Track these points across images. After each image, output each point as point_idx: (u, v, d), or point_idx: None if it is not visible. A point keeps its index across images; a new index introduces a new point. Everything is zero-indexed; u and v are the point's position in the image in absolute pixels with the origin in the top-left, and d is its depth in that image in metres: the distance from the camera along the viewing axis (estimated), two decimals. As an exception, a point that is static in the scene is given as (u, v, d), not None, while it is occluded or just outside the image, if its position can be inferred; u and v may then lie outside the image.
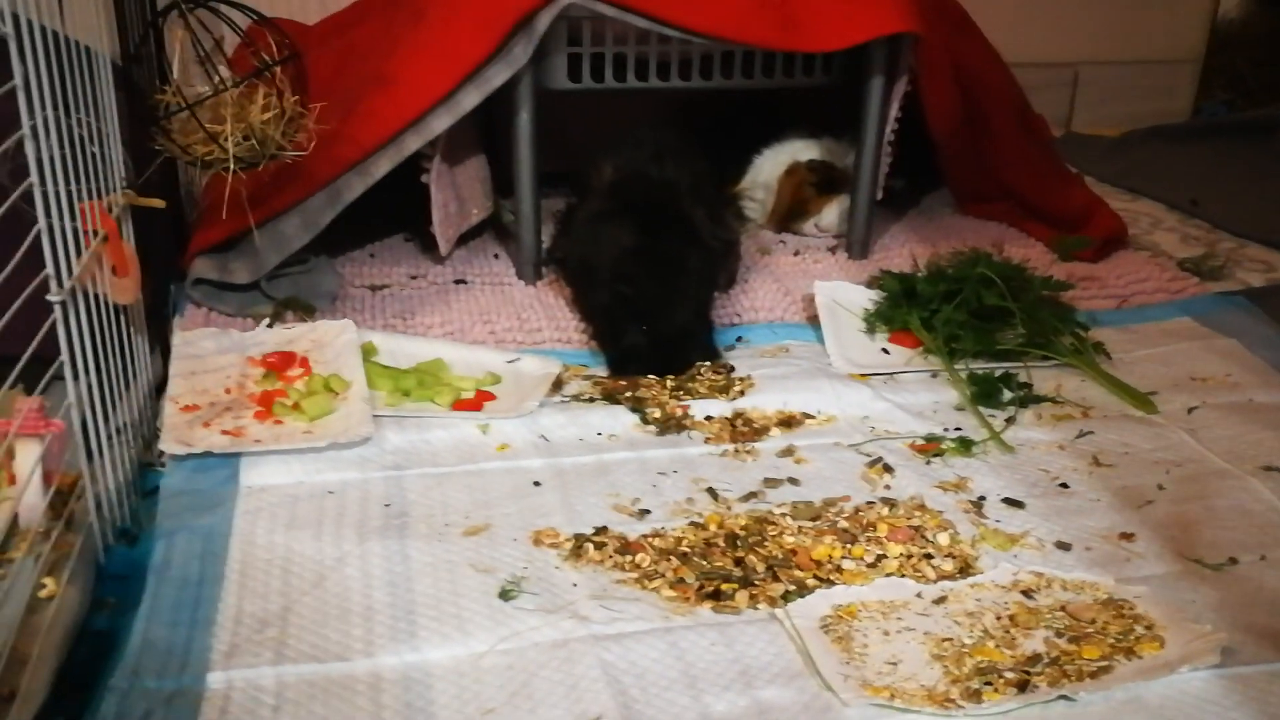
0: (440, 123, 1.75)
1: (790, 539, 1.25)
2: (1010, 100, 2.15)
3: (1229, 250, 2.20)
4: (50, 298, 1.11)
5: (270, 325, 1.68)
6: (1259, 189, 2.52)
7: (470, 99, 1.75)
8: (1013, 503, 1.34)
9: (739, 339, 1.75)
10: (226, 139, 1.47)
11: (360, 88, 1.81)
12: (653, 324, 1.56)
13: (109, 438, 1.25)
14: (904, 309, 1.74)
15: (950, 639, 1.10)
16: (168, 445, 1.37)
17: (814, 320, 1.79)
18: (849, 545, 1.24)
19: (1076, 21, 3.10)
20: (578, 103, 1.92)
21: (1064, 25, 3.09)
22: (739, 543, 1.24)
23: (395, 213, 2.06)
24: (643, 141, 1.83)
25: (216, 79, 1.48)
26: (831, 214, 2.15)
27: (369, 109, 1.76)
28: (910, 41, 1.91)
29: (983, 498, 1.35)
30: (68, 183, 1.19)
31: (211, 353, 1.61)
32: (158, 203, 1.45)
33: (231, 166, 1.48)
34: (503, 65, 1.76)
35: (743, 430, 1.48)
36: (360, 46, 2.01)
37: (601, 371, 1.63)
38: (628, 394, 1.55)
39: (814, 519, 1.29)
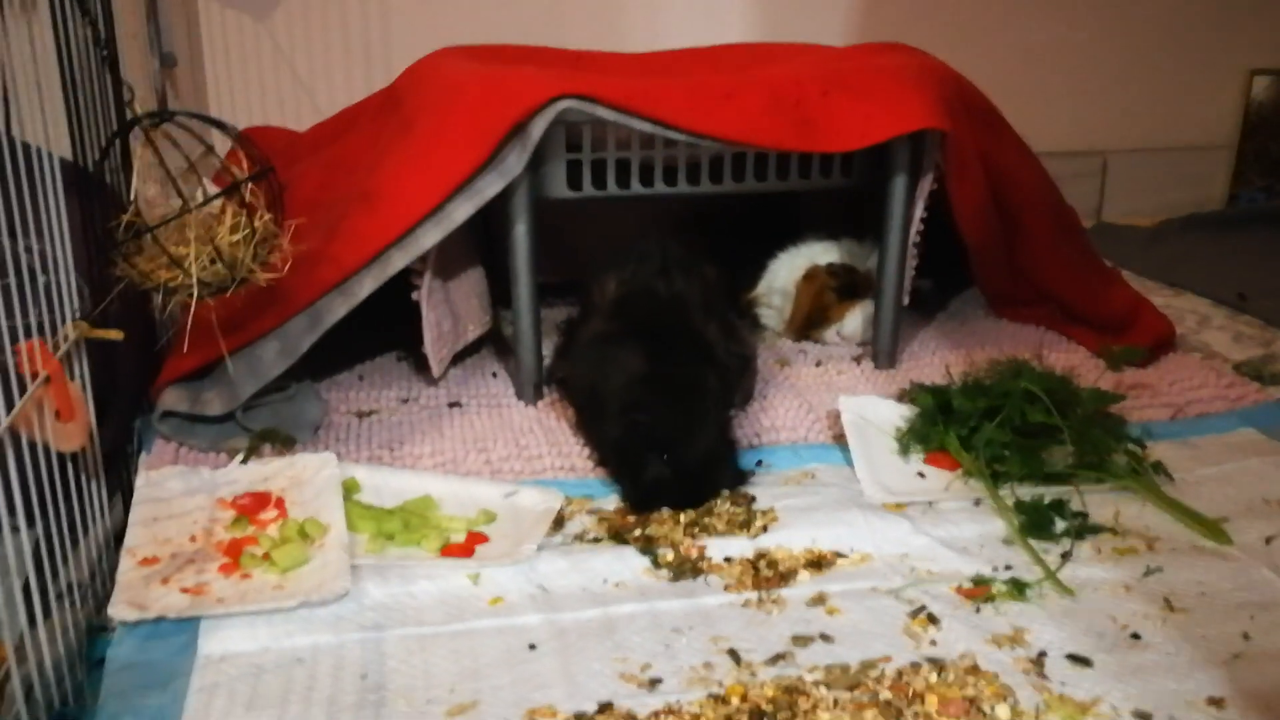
0: (429, 237, 1.68)
1: (826, 715, 1.11)
2: (1044, 197, 2.07)
3: (1287, 350, 2.07)
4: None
5: (245, 461, 1.58)
6: (1312, 282, 2.41)
7: (462, 211, 1.68)
8: (1079, 660, 1.20)
9: (759, 463, 1.66)
10: (190, 263, 1.36)
11: (345, 204, 1.73)
12: (674, 453, 1.49)
13: (54, 600, 1.12)
14: (940, 427, 1.65)
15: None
16: (118, 610, 1.24)
17: (841, 439, 1.69)
18: (894, 723, 1.09)
19: (1104, 108, 3.03)
20: (580, 209, 1.85)
21: (1091, 112, 3.03)
22: (766, 720, 1.09)
23: (389, 328, 1.99)
24: (648, 254, 1.76)
25: (180, 198, 1.38)
26: (855, 321, 2.08)
27: (352, 227, 1.68)
28: (936, 138, 1.84)
29: (1043, 653, 1.22)
30: (9, 317, 1.08)
31: (178, 494, 1.50)
32: (115, 334, 1.34)
33: (196, 292, 1.37)
34: (495, 176, 1.68)
35: (767, 575, 1.37)
36: (348, 158, 1.94)
37: (608, 505, 1.53)
38: (637, 533, 1.45)
39: (851, 688, 1.15)
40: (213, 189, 1.47)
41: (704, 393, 1.54)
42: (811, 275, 2.11)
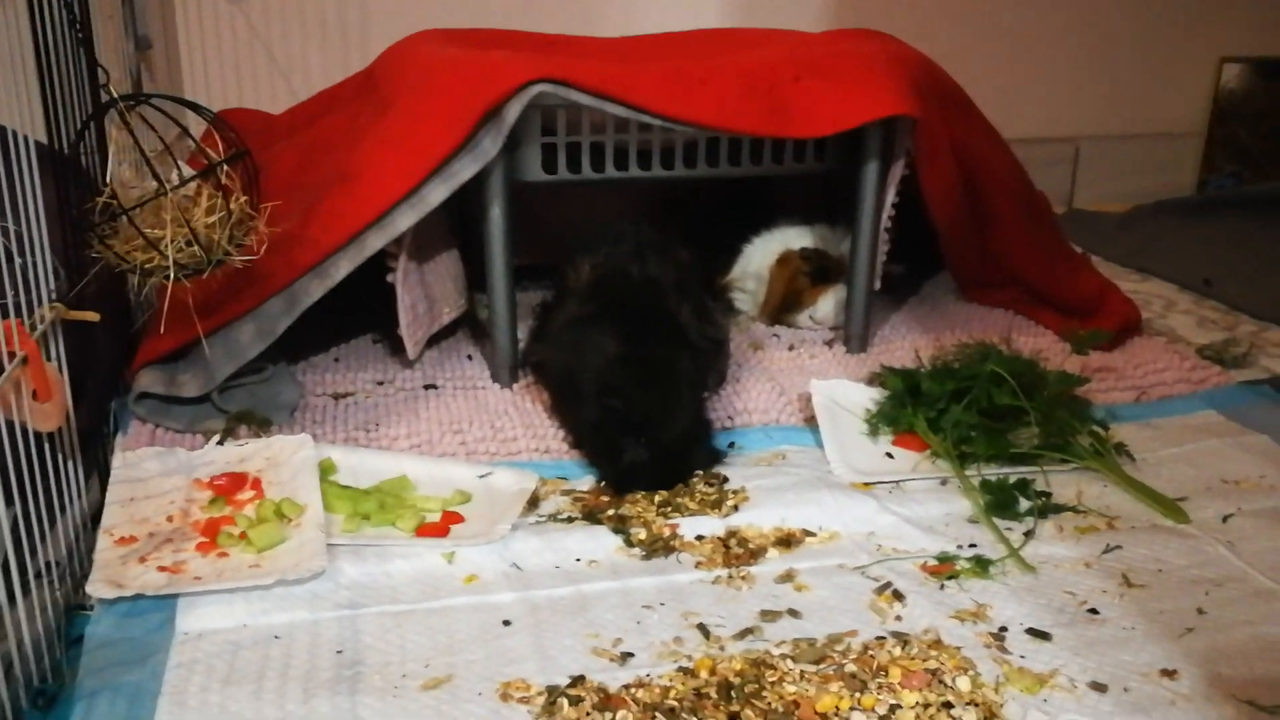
0: (405, 220, 1.69)
1: (792, 687, 1.14)
2: (1014, 183, 2.09)
3: (1250, 334, 2.12)
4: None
5: (221, 442, 1.59)
6: (1276, 267, 2.45)
7: (437, 194, 1.69)
8: (1038, 634, 1.24)
9: (731, 445, 1.68)
10: (166, 245, 1.37)
11: (322, 185, 1.74)
12: (651, 437, 1.51)
13: (33, 579, 1.13)
14: (909, 409, 1.67)
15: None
16: (95, 588, 1.26)
17: (811, 422, 1.72)
18: (858, 694, 1.12)
19: (1076, 96, 3.07)
20: (555, 193, 1.87)
21: (1063, 100, 3.06)
22: (734, 693, 1.12)
23: (365, 311, 2.00)
24: (622, 236, 1.78)
25: (156, 180, 1.39)
26: (827, 305, 2.10)
27: (329, 208, 1.69)
28: (908, 124, 1.85)
29: (1004, 628, 1.25)
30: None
31: (155, 475, 1.51)
32: (92, 316, 1.35)
33: (171, 274, 1.38)
34: (470, 159, 1.69)
35: (737, 552, 1.39)
36: (326, 140, 1.95)
37: (582, 486, 1.55)
38: (610, 512, 1.48)
39: (818, 661, 1.18)
40: (188, 171, 1.47)
41: (679, 376, 1.56)
42: (785, 260, 2.13)
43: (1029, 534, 1.43)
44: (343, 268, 1.68)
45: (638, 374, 1.53)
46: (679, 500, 1.50)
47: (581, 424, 1.60)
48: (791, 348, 2.05)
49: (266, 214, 1.47)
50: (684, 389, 1.56)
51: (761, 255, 2.16)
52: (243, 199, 1.44)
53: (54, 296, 1.31)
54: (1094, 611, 1.28)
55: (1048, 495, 1.53)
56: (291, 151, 1.98)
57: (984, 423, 1.61)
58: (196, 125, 1.57)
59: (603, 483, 1.54)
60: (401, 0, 2.66)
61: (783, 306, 2.13)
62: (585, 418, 1.57)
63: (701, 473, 1.57)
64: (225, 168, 1.43)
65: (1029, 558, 1.38)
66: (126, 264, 1.41)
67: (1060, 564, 1.38)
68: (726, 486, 1.55)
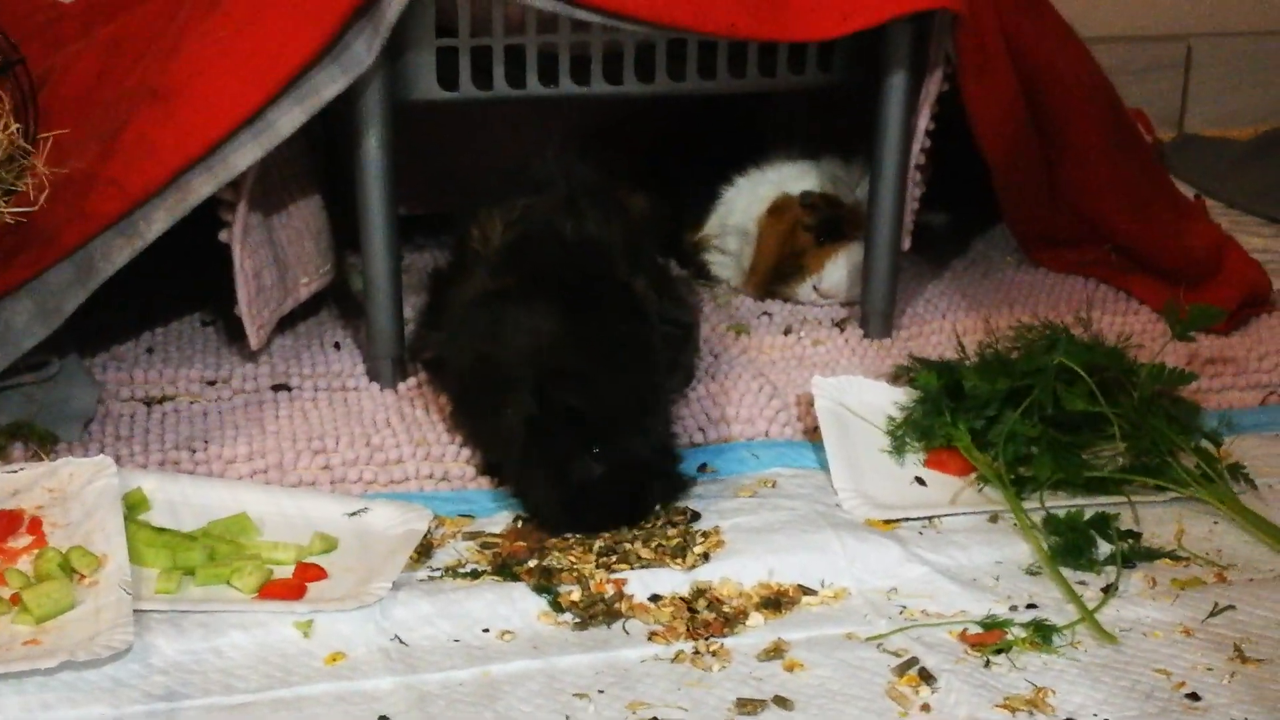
0: (244, 156, 1.69)
1: (776, 807, 1.15)
2: (1097, 99, 2.10)
3: None
4: None
5: (-14, 467, 1.58)
6: None
7: (289, 119, 1.69)
8: (1118, 731, 1.26)
9: (702, 468, 1.70)
10: (-97, 194, 1.37)
11: (127, 105, 1.74)
12: (614, 443, 1.52)
13: None
14: (946, 417, 1.69)
15: None
16: None
17: (814, 435, 1.74)
18: (866, 816, 1.14)
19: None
20: (456, 118, 1.88)
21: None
22: (696, 815, 1.14)
23: (190, 282, 2.00)
24: (548, 180, 1.78)
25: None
26: (838, 271, 2.10)
27: (139, 137, 1.69)
28: (946, 20, 1.86)
29: (1071, 721, 1.26)
30: None
31: (-113, 515, 1.50)
32: None
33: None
34: (336, 69, 1.69)
35: (707, 618, 1.41)
36: (133, 40, 1.94)
37: (494, 526, 1.56)
38: (532, 563, 1.49)
39: (813, 770, 1.19)
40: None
41: (652, 359, 1.57)
42: (779, 209, 2.12)
43: (1109, 590, 1.45)
44: (158, 222, 1.68)
45: (595, 357, 1.54)
46: (627, 546, 1.51)
47: (503, 433, 1.60)
48: (788, 331, 2.05)
49: (48, 147, 1.48)
50: (660, 378, 1.58)
51: (747, 203, 2.16)
52: (14, 127, 1.44)
53: None
54: (1194, 697, 1.30)
55: (1136, 536, 1.55)
56: (85, 56, 1.96)
57: (1050, 435, 1.63)
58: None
59: (531, 518, 1.55)
60: None
61: (777, 274, 2.13)
62: (511, 423, 1.57)
63: (660, 507, 1.58)
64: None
65: (1108, 623, 1.40)
66: None
67: (1151, 631, 1.40)
68: (695, 526, 1.56)
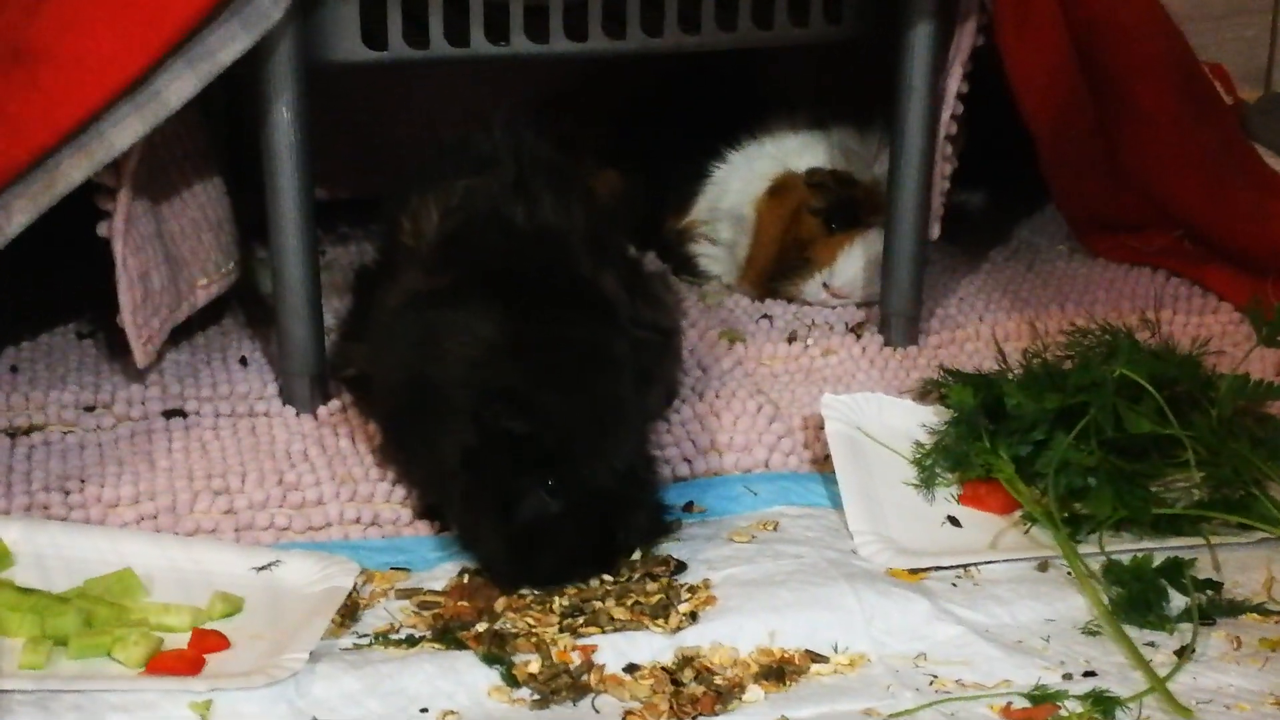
0: (126, 131, 1.62)
1: None
2: (1166, 56, 2.05)
3: None
4: None
5: None
6: None
7: (179, 87, 1.62)
8: (1195, 825, 1.27)
9: (688, 507, 1.65)
10: None
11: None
12: (574, 473, 1.47)
13: None
14: (985, 442, 1.64)
15: None
16: None
17: (823, 465, 1.71)
18: None
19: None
20: (384, 83, 1.84)
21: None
22: None
23: (63, 286, 1.95)
24: (494, 156, 1.73)
25: None
26: (852, 265, 2.04)
27: (-2, 110, 1.72)
28: (979, -40, 1.90)
29: (1139, 814, 1.28)
30: None
31: None
32: None
33: None
34: (236, 24, 1.62)
35: (694, 692, 1.35)
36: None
37: (435, 582, 1.52)
38: (481, 627, 1.44)
39: None
40: None
41: (617, 368, 1.54)
42: (781, 189, 2.08)
43: (1184, 652, 1.40)
44: (19, 214, 1.61)
45: (548, 367, 1.50)
46: (597, 605, 1.47)
47: (441, 466, 1.57)
48: (793, 338, 2.00)
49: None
50: (626, 391, 1.54)
51: (743, 182, 2.11)
52: None
53: None
54: (1287, 784, 1.32)
55: (1216, 586, 1.50)
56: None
57: (1110, 464, 1.59)
58: None
59: (479, 571, 1.51)
60: None
61: (778, 268, 2.08)
62: (448, 452, 1.54)
63: (639, 554, 1.53)
64: None
65: (1183, 693, 1.34)
66: None
67: (1235, 703, 1.34)
68: (679, 579, 1.51)
